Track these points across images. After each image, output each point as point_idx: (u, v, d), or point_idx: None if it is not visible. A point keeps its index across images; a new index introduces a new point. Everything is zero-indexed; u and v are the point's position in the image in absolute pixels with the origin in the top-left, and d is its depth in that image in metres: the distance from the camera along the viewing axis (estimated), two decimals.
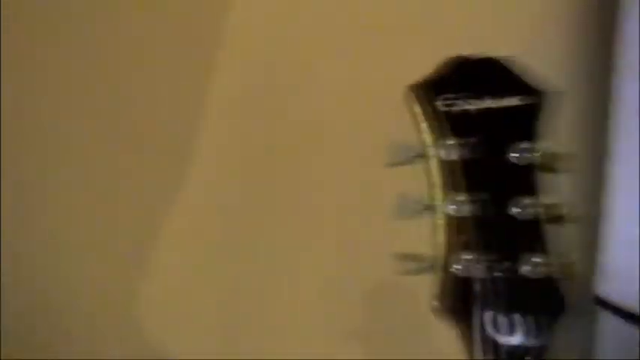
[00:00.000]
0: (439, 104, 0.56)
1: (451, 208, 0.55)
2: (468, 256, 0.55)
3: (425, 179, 0.56)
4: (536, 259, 0.54)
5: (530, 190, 0.55)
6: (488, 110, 0.55)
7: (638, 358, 0.90)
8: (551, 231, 0.55)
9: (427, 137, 0.56)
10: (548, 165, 0.55)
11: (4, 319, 1.08)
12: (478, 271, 0.55)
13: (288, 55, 1.02)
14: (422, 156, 0.56)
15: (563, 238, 0.56)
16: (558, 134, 0.56)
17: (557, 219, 0.55)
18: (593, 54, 0.96)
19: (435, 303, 0.55)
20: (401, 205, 0.55)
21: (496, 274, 0.54)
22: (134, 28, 1.06)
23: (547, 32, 0.96)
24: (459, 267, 0.55)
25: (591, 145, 0.95)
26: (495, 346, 0.54)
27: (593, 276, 0.93)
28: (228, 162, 1.06)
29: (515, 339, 0.54)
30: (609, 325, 0.92)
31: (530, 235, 0.55)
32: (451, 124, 0.55)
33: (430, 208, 0.55)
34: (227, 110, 1.05)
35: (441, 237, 0.55)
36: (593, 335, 0.96)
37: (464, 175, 0.55)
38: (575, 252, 1.00)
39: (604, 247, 0.91)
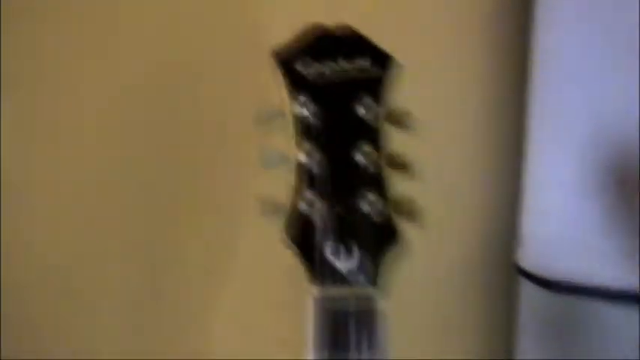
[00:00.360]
0: (297, 67, 0.63)
1: (302, 157, 0.63)
2: (312, 196, 0.63)
3: (285, 134, 0.64)
4: (372, 198, 0.62)
5: (373, 140, 0.62)
6: (341, 72, 0.63)
7: (557, 324, 0.92)
8: (391, 176, 0.63)
9: (286, 96, 0.64)
10: (393, 120, 0.63)
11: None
12: (320, 208, 0.63)
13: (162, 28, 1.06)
14: (283, 113, 0.64)
15: (405, 184, 0.63)
16: (406, 95, 0.64)
17: (398, 166, 0.62)
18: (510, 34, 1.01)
19: (283, 235, 0.63)
20: (265, 156, 0.63)
21: (336, 210, 0.62)
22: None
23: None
24: (304, 205, 0.63)
25: (510, 113, 0.99)
26: (333, 271, 0.62)
27: (513, 244, 0.96)
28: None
29: (350, 264, 0.62)
30: (529, 293, 0.95)
31: (369, 179, 0.63)
32: (306, 84, 0.63)
33: (286, 157, 0.63)
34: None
35: (292, 181, 0.63)
36: (514, 303, 0.98)
37: (314, 128, 0.63)
38: (495, 220, 1.03)
39: (524, 215, 0.94)
